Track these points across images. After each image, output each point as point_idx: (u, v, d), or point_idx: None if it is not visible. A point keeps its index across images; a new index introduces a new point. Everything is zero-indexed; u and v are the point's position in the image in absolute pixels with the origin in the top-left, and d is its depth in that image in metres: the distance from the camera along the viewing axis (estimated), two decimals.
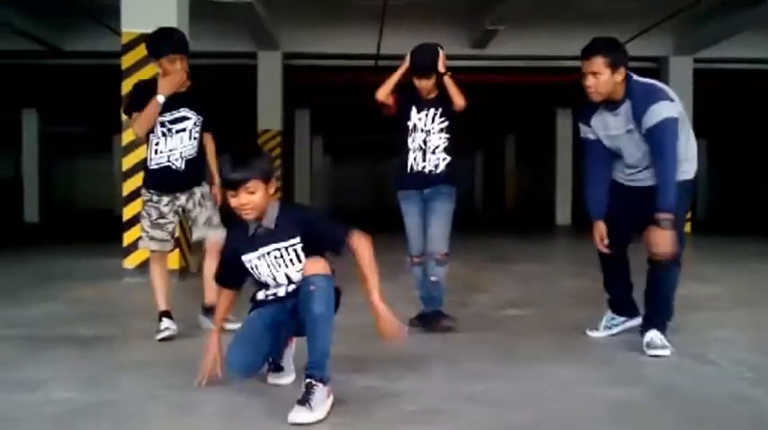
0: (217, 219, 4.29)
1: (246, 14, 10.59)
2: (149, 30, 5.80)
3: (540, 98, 16.90)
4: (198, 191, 4.27)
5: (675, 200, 3.60)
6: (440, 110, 4.42)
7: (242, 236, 3.09)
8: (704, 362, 3.69)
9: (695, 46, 13.31)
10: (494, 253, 9.98)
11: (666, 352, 3.72)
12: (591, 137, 3.94)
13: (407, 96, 4.42)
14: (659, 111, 3.60)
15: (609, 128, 3.82)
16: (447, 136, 4.43)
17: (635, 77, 3.77)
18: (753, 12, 11.16)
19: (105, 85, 13.92)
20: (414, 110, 4.41)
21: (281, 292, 3.12)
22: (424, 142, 4.38)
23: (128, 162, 6.73)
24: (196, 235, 4.34)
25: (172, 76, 4.04)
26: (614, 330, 4.21)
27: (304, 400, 2.70)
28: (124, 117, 6.41)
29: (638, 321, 4.10)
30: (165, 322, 4.11)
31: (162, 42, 4.17)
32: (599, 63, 3.66)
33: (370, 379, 3.29)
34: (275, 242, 3.02)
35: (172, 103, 4.12)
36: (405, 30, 12.32)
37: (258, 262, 3.07)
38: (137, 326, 4.58)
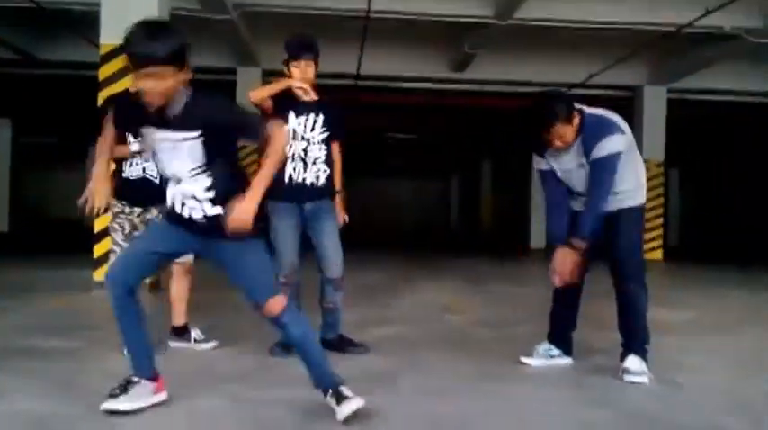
0: None
1: (227, 30, 10.60)
2: None
3: (516, 123, 17.07)
4: None
5: (591, 229, 3.73)
6: (321, 117, 4.11)
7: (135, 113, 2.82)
8: (675, 387, 3.69)
9: (670, 76, 13.57)
10: (469, 274, 9.99)
11: (644, 379, 3.71)
12: (545, 167, 3.95)
13: (285, 98, 4.03)
14: (607, 146, 3.69)
15: (562, 162, 3.85)
16: (327, 148, 4.14)
17: (587, 111, 3.82)
18: (725, 45, 11.43)
19: (80, 96, 13.87)
20: (292, 113, 4.06)
21: (193, 214, 2.86)
22: (305, 152, 4.07)
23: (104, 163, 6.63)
24: None
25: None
26: (549, 361, 4.07)
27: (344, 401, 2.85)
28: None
29: (569, 361, 4.08)
30: None
31: None
32: (558, 127, 3.68)
33: None
34: (171, 131, 2.75)
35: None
36: (385, 51, 12.44)
37: (156, 143, 2.82)
38: (103, 338, 4.48)
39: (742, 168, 23.60)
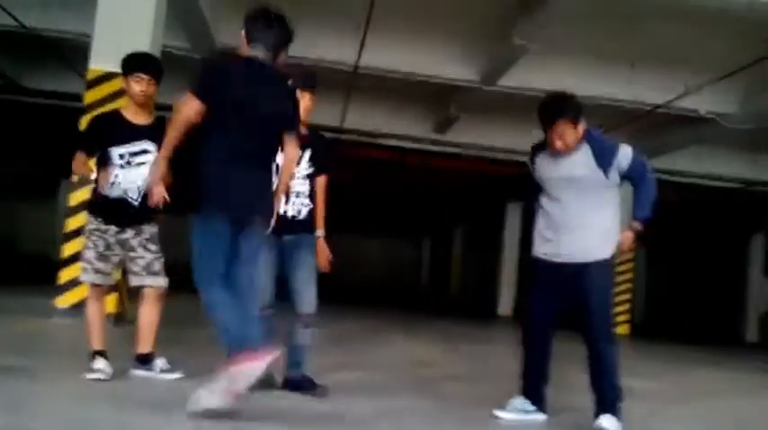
0: (158, 265, 4.02)
1: None
2: (117, 68, 5.77)
3: (492, 189, 17.24)
4: (146, 230, 4.02)
5: (648, 214, 3.80)
6: (307, 153, 4.09)
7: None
8: None
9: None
10: (439, 332, 9.89)
11: None
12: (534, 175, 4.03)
13: None
14: (628, 150, 3.81)
15: (557, 168, 3.86)
16: (311, 183, 4.11)
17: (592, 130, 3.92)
18: (699, 128, 11.72)
19: (58, 127, 13.73)
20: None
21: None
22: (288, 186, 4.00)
23: (75, 198, 6.51)
24: (133, 281, 4.05)
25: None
26: (523, 417, 3.96)
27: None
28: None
29: (543, 417, 3.99)
30: (101, 362, 3.84)
31: (136, 62, 4.09)
32: (562, 125, 3.74)
33: None
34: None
35: (132, 136, 4.00)
36: (369, 107, 12.56)
37: None
38: (62, 362, 4.31)
39: (708, 251, 24.03)
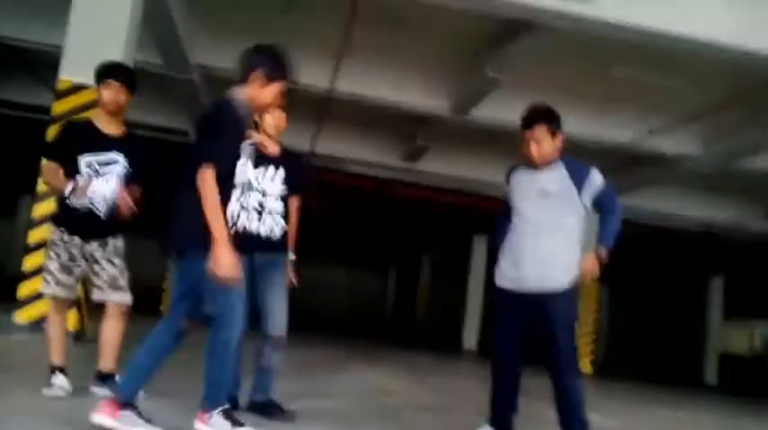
0: (123, 281, 3.90)
1: (185, 91, 10.54)
2: (88, 81, 5.67)
3: (460, 221, 17.31)
4: (111, 243, 3.91)
5: (612, 241, 3.79)
6: (281, 172, 4.03)
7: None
8: None
9: None
10: (404, 363, 9.80)
11: None
12: (506, 194, 4.03)
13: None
14: (599, 176, 3.83)
15: (533, 181, 3.86)
16: (284, 203, 4.03)
17: None
18: (664, 168, 11.95)
19: (20, 141, 13.43)
20: (249, 164, 3.94)
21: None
22: (260, 204, 3.94)
23: (39, 210, 6.32)
24: (97, 295, 3.91)
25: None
26: None
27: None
28: (43, 161, 6.19)
29: None
30: (60, 379, 3.69)
31: (107, 69, 4.00)
32: (541, 131, 3.77)
33: None
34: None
35: (101, 145, 3.89)
36: (340, 133, 12.57)
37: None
38: (20, 378, 4.13)
39: (669, 292, 24.37)
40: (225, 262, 2.92)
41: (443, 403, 5.89)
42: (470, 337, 18.46)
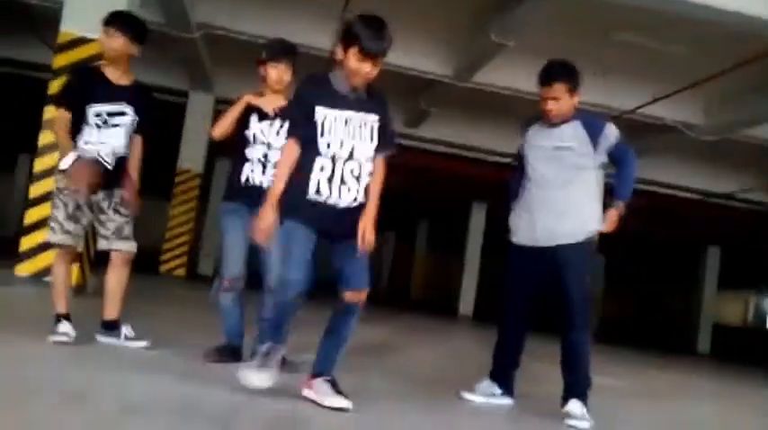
0: (128, 229, 3.92)
1: (186, 51, 10.47)
2: (89, 33, 5.60)
3: (459, 188, 17.31)
4: (118, 193, 3.91)
5: (629, 194, 3.90)
6: (286, 125, 4.04)
7: (324, 89, 3.11)
8: None
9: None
10: (401, 325, 9.89)
11: (585, 424, 3.66)
12: (522, 150, 4.05)
13: (248, 108, 3.97)
14: (614, 130, 3.89)
15: (547, 137, 3.89)
16: None
17: None
18: (662, 137, 11.93)
19: (18, 99, 13.35)
20: (254, 117, 3.96)
21: (339, 201, 3.05)
22: (265, 156, 3.95)
23: (42, 164, 6.33)
24: (103, 245, 3.92)
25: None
26: (490, 400, 3.96)
27: (339, 391, 3.11)
28: (48, 113, 6.17)
29: (510, 402, 4.00)
30: (65, 325, 3.71)
31: (108, 16, 3.94)
32: (560, 89, 3.79)
33: None
34: (364, 112, 3.13)
35: (111, 95, 3.88)
36: None
37: (335, 121, 3.07)
38: (24, 327, 4.16)
39: (666, 259, 24.49)
40: (257, 223, 3.08)
41: (444, 361, 5.98)
42: (467, 303, 18.60)
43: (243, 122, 3.97)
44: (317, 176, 3.04)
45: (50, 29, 6.87)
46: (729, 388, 8.60)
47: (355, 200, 3.10)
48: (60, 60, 6.44)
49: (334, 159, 3.05)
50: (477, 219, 18.99)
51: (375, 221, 3.18)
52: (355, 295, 3.17)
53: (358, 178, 3.09)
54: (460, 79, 10.45)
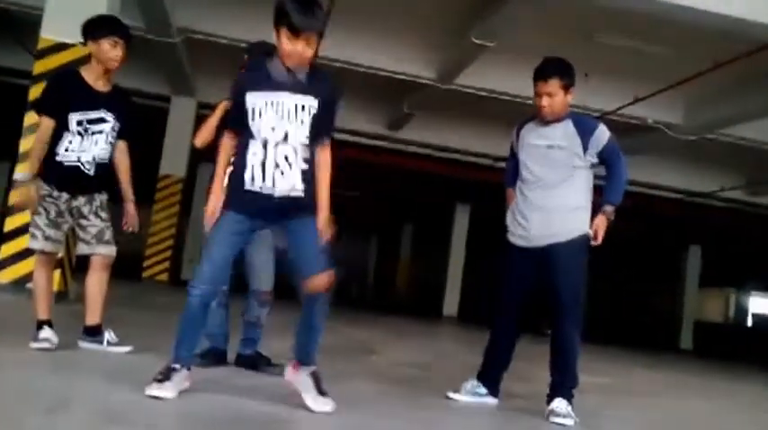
0: (109, 234, 3.89)
1: (167, 55, 10.42)
2: (68, 39, 5.55)
3: (443, 190, 17.36)
4: (98, 198, 3.89)
5: (620, 198, 3.88)
6: None
7: (259, 73, 3.00)
8: None
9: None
10: (387, 326, 9.89)
11: (570, 421, 3.67)
12: (514, 149, 4.07)
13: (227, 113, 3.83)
14: (605, 132, 3.87)
15: (539, 135, 3.91)
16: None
17: None
18: (643, 137, 12.02)
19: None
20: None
21: (274, 190, 2.95)
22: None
23: (22, 170, 6.25)
24: (83, 249, 3.89)
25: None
26: (476, 399, 3.96)
27: (321, 391, 3.06)
28: (28, 120, 6.11)
29: (495, 401, 4.00)
30: (47, 331, 3.68)
31: (109, 23, 3.93)
32: (555, 85, 3.78)
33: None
34: (300, 94, 2.98)
35: (91, 102, 3.85)
36: None
37: (265, 106, 2.95)
38: (4, 335, 4.12)
39: (647, 258, 24.68)
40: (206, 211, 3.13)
41: (429, 362, 5.99)
42: (451, 304, 18.64)
43: (224, 128, 3.94)
44: (251, 162, 2.97)
45: (31, 35, 6.80)
46: (714, 384, 8.67)
47: (293, 189, 2.99)
48: (40, 66, 6.39)
49: (266, 144, 2.96)
50: (461, 220, 19.04)
51: (330, 214, 3.14)
52: (315, 282, 3.06)
53: (292, 164, 2.98)
54: (443, 82, 10.48)
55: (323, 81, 3.07)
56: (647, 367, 9.52)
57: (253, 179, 2.98)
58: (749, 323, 30.54)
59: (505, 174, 4.18)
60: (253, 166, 2.97)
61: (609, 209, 3.86)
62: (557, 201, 3.83)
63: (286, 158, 2.97)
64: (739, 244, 19.62)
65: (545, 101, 3.80)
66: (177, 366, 2.95)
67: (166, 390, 2.87)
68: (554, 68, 3.83)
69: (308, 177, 3.04)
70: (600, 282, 26.01)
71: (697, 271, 20.65)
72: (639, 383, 7.12)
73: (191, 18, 9.56)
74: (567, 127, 3.85)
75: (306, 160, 3.02)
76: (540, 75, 3.83)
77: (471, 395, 4.00)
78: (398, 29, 9.71)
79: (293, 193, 3.00)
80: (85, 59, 4.00)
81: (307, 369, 3.15)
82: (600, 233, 3.83)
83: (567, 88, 3.80)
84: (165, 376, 2.91)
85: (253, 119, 2.96)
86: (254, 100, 2.96)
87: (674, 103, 10.95)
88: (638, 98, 10.35)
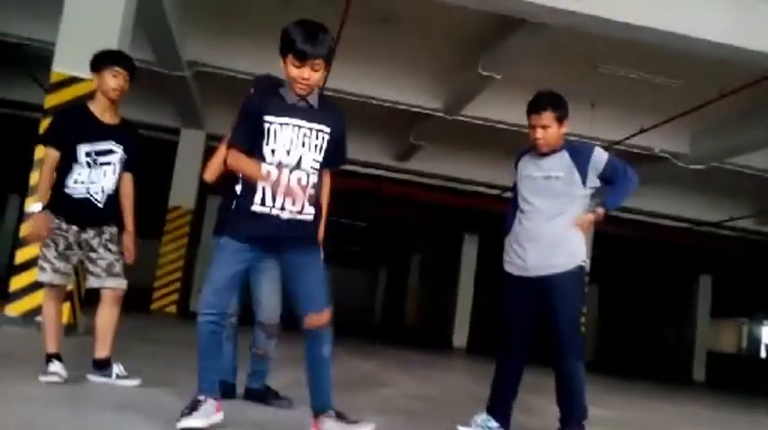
0: (119, 267, 3.91)
1: (177, 88, 10.54)
2: (80, 73, 5.63)
3: (451, 220, 17.34)
4: (108, 231, 3.92)
5: (617, 204, 3.86)
6: None
7: (274, 98, 3.04)
8: None
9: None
10: (396, 358, 9.82)
11: None
12: (515, 179, 4.08)
13: None
14: (602, 153, 3.88)
15: (537, 167, 3.92)
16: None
17: None
18: (650, 167, 11.99)
19: (7, 138, 13.34)
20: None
21: (282, 212, 2.97)
22: None
23: (33, 201, 6.28)
24: (93, 282, 3.90)
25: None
26: None
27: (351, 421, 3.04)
28: (38, 153, 6.17)
29: None
30: (57, 365, 3.68)
31: (112, 56, 4.01)
32: (549, 117, 3.82)
33: None
34: (312, 121, 3.03)
35: (99, 134, 3.90)
36: None
37: (282, 129, 2.98)
38: (14, 368, 4.11)
39: (657, 290, 24.50)
40: None
41: (438, 395, 5.92)
42: (460, 335, 18.50)
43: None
44: (263, 184, 2.98)
45: (44, 69, 6.89)
46: (726, 416, 8.54)
47: (303, 212, 3.01)
48: (52, 100, 6.46)
49: (279, 167, 2.97)
50: (470, 250, 18.98)
51: (324, 234, 3.18)
52: (314, 319, 3.06)
53: (304, 188, 3.00)
54: (450, 113, 10.55)
55: (334, 112, 3.15)
56: (660, 399, 9.39)
57: (263, 201, 2.98)
58: (763, 354, 30.19)
59: (505, 219, 4.09)
60: (264, 188, 2.97)
61: (601, 211, 3.86)
62: (555, 231, 3.82)
63: (299, 182, 3.00)
64: (750, 273, 19.46)
65: (539, 133, 3.83)
66: (201, 398, 2.97)
67: (194, 421, 2.89)
68: (547, 101, 3.86)
69: (317, 202, 3.08)
70: (610, 314, 25.89)
71: (708, 301, 20.46)
72: (652, 416, 7.01)
73: (200, 52, 9.68)
74: (563, 157, 3.87)
75: (314, 185, 3.05)
76: (534, 108, 3.86)
77: (482, 429, 3.95)
78: (406, 61, 9.81)
79: (302, 217, 3.02)
80: (95, 93, 4.05)
81: (327, 417, 3.08)
82: (584, 228, 3.85)
83: (560, 120, 3.84)
84: (191, 409, 2.94)
85: (267, 142, 2.98)
86: (270, 123, 2.99)
87: (681, 132, 10.97)
88: (644, 129, 10.36)
